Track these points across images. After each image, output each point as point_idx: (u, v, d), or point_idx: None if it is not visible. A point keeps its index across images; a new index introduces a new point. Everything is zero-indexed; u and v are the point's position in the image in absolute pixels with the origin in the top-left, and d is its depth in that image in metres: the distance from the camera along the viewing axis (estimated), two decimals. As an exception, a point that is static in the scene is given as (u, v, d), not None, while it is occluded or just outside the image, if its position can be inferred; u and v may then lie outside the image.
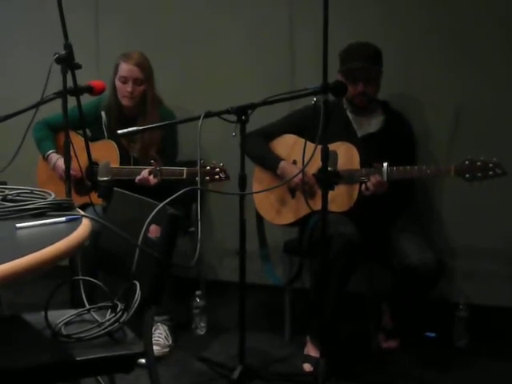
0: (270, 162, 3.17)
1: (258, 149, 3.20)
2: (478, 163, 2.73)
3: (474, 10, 3.31)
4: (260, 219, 3.33)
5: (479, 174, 2.72)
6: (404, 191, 3.08)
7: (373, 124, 3.16)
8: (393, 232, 3.05)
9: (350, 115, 3.16)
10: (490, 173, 2.71)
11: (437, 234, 3.45)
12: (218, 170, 3.01)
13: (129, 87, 3.28)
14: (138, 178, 3.08)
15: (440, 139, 3.41)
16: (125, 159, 3.31)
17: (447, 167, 2.81)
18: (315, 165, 2.69)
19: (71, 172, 2.54)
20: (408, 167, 2.86)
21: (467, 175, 2.74)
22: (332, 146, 2.58)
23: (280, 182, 3.07)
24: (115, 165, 3.17)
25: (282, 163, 3.13)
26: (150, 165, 3.10)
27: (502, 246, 3.36)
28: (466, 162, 2.75)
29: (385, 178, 2.85)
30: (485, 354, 3.15)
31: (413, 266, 2.84)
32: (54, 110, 2.85)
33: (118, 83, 3.32)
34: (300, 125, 3.11)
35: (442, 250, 3.36)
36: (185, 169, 3.02)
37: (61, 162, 3.26)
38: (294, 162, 3.14)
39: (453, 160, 2.96)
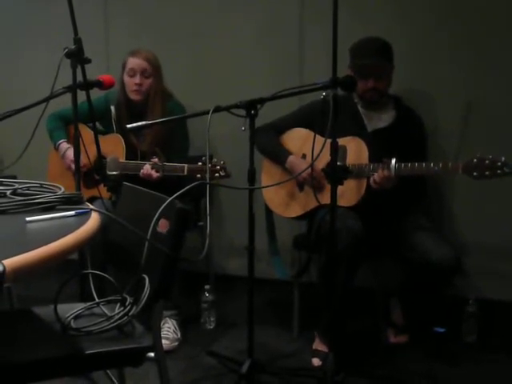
0: (279, 156, 3.18)
1: (267, 142, 3.20)
2: (487, 161, 2.69)
3: (484, 6, 3.29)
4: (269, 213, 3.33)
5: (487, 173, 2.69)
6: (416, 187, 3.07)
7: (384, 119, 3.15)
8: (408, 227, 3.03)
9: (360, 110, 3.15)
10: (499, 171, 2.68)
11: (448, 230, 3.43)
12: (218, 167, 3.00)
13: (136, 79, 3.30)
14: (142, 171, 3.10)
15: (450, 135, 3.39)
16: (132, 153, 3.31)
17: (455, 165, 2.77)
18: (324, 159, 2.69)
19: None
20: (416, 164, 2.83)
21: (475, 173, 2.71)
22: (341, 141, 2.57)
23: (289, 175, 3.07)
24: (121, 159, 3.17)
25: (291, 157, 3.13)
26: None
27: (512, 242, 3.35)
28: (474, 160, 2.72)
29: (392, 174, 2.84)
30: (494, 349, 3.15)
31: (433, 262, 2.82)
32: (64, 104, 2.86)
33: (126, 78, 3.34)
34: (309, 119, 3.10)
35: (452, 245, 3.35)
36: (186, 165, 3.02)
37: (70, 152, 3.27)
38: (304, 156, 3.13)
39: (463, 156, 2.94)
